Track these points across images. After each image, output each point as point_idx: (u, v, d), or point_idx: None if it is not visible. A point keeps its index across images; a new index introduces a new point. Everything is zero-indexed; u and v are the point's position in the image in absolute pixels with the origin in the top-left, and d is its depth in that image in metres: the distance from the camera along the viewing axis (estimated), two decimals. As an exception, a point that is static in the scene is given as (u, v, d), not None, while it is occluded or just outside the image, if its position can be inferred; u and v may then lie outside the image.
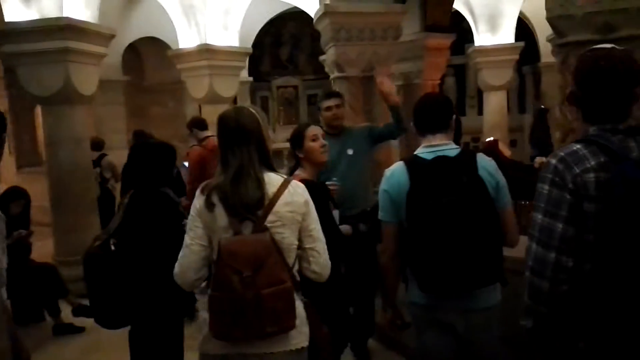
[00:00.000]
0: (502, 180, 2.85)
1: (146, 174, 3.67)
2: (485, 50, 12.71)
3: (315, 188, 2.98)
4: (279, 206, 2.46)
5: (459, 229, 2.60)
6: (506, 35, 12.64)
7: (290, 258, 2.51)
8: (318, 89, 16.81)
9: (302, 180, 2.85)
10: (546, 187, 1.97)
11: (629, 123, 1.97)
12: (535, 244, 1.98)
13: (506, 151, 8.09)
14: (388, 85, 4.64)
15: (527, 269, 2.01)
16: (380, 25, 6.26)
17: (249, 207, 2.43)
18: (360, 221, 4.47)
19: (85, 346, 5.61)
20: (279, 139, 16.42)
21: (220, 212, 2.44)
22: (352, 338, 4.83)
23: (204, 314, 2.49)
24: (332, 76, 6.49)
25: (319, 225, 2.62)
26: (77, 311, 5.81)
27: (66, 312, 5.97)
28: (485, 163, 2.83)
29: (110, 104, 11.29)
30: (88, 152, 7.52)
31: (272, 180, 2.51)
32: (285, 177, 2.60)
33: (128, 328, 3.65)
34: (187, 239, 2.50)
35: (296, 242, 2.54)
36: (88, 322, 4.81)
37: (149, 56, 13.53)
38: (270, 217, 2.45)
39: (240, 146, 2.49)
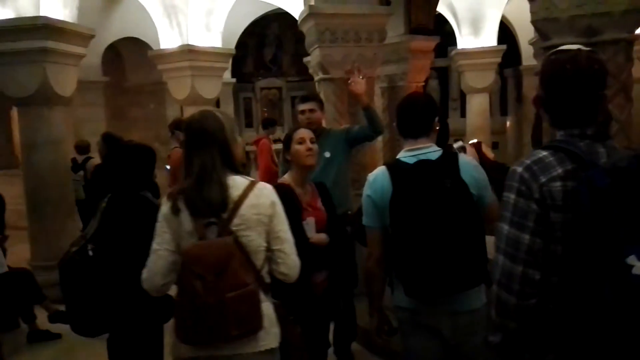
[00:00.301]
0: (484, 178, 2.86)
1: (126, 176, 3.57)
2: (468, 53, 12.84)
3: (284, 193, 2.99)
4: (244, 209, 2.49)
5: (443, 233, 2.59)
6: (488, 38, 12.78)
7: (259, 260, 2.54)
8: (302, 91, 16.72)
9: (278, 185, 3.00)
10: (512, 196, 1.92)
11: (596, 127, 1.94)
12: (502, 256, 1.93)
13: (489, 153, 8.18)
14: (359, 86, 4.65)
15: (494, 282, 1.96)
16: (365, 27, 6.18)
17: (213, 210, 2.46)
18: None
19: (62, 353, 5.48)
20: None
21: (185, 217, 2.47)
22: (335, 341, 4.81)
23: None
24: (316, 78, 6.41)
25: (287, 226, 2.63)
26: (54, 317, 5.65)
27: (42, 318, 5.81)
28: (466, 164, 2.81)
29: (90, 105, 11.16)
30: (66, 155, 7.35)
31: (237, 183, 2.52)
32: (251, 179, 2.59)
33: (106, 335, 3.55)
34: (154, 245, 2.52)
35: (264, 244, 2.55)
36: (64, 328, 4.68)
37: (130, 57, 13.39)
38: (235, 220, 2.47)
39: (204, 150, 2.51)
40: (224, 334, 2.42)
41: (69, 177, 7.29)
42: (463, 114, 14.98)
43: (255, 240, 2.51)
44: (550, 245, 1.87)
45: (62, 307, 4.49)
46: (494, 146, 13.77)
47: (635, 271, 1.60)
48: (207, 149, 2.50)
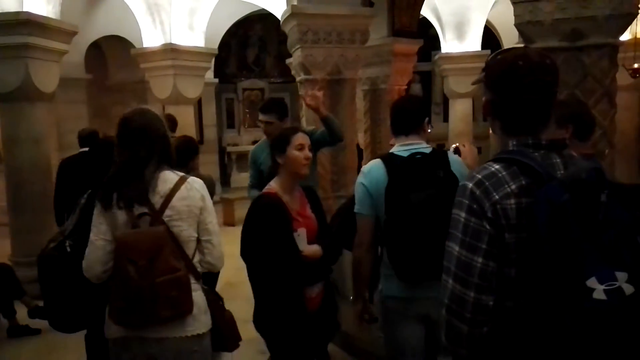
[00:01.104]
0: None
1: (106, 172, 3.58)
2: (451, 58, 12.88)
3: (273, 206, 3.12)
4: (175, 201, 2.67)
5: (437, 220, 2.68)
6: (473, 43, 12.83)
7: (190, 249, 2.74)
8: (284, 92, 16.80)
9: (265, 196, 3.16)
10: (463, 214, 1.75)
11: (551, 134, 1.81)
12: (451, 280, 1.76)
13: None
14: (315, 100, 4.61)
15: (443, 307, 1.79)
16: (347, 28, 6.23)
17: (143, 202, 2.64)
18: None
19: (41, 348, 5.46)
20: (243, 141, 16.40)
21: (118, 209, 2.64)
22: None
23: None
24: (298, 78, 6.45)
25: (215, 219, 2.86)
26: (33, 313, 5.65)
27: (22, 313, 5.79)
28: (454, 160, 3.06)
29: (72, 103, 11.11)
30: (47, 151, 7.31)
31: (168, 178, 2.71)
32: (182, 174, 2.78)
33: (84, 331, 3.56)
34: (91, 236, 2.67)
35: (195, 235, 2.76)
36: (44, 324, 4.68)
37: (113, 55, 13.34)
38: (167, 212, 2.65)
39: (143, 145, 2.68)
40: (154, 316, 2.60)
41: (50, 173, 7.26)
42: (446, 119, 15.06)
43: (186, 230, 2.70)
44: (504, 268, 1.71)
45: (41, 303, 4.51)
46: (477, 151, 13.85)
47: (596, 295, 1.49)
48: (146, 144, 2.68)
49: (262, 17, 14.48)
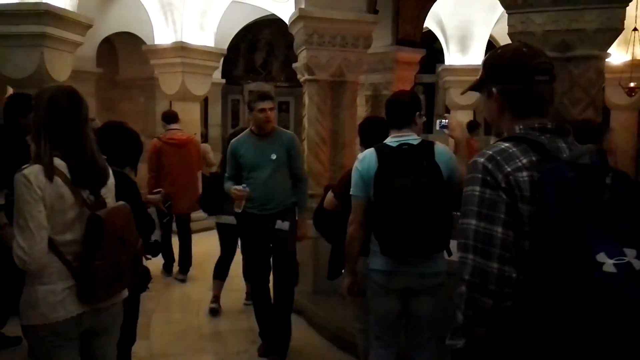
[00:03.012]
0: (454, 160, 3.40)
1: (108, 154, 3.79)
2: (454, 70, 13.03)
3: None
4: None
5: (417, 203, 3.13)
6: (476, 56, 12.93)
7: None
8: (290, 96, 17.04)
9: None
10: (477, 188, 1.77)
11: (550, 121, 1.90)
12: (471, 254, 1.74)
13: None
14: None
15: (464, 284, 1.76)
16: (351, 33, 6.45)
17: (101, 181, 2.78)
18: (278, 218, 4.97)
19: None
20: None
21: (65, 189, 2.58)
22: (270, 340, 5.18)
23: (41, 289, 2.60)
24: (302, 79, 6.66)
25: None
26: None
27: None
28: (441, 152, 3.36)
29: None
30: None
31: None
32: None
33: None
34: (31, 227, 2.48)
35: None
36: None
37: (124, 51, 13.57)
38: (103, 190, 2.79)
39: (86, 124, 2.74)
40: (122, 286, 2.86)
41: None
42: (447, 130, 15.16)
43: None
44: (519, 241, 1.73)
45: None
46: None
47: (606, 268, 1.52)
48: (87, 124, 2.75)
49: (271, 22, 14.67)
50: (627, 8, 4.00)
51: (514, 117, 1.93)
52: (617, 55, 10.57)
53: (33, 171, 2.51)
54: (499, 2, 4.23)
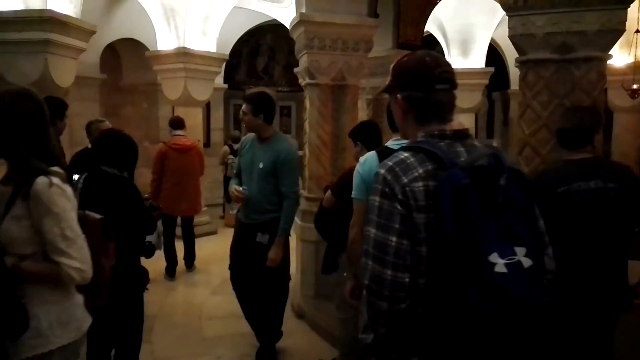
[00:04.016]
0: None
1: (108, 158, 3.93)
2: (456, 73, 12.83)
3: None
4: None
5: None
6: (477, 60, 13.02)
7: None
8: (291, 101, 17.10)
9: None
10: (377, 199, 1.91)
11: (452, 126, 2.01)
12: (370, 261, 1.88)
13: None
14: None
15: (364, 287, 1.92)
16: (352, 37, 6.48)
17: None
18: (259, 231, 4.83)
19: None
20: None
21: (72, 193, 2.51)
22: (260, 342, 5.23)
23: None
24: (303, 83, 6.69)
25: None
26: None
27: None
28: None
29: (86, 101, 11.35)
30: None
31: None
32: None
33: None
34: (78, 236, 2.43)
35: None
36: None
37: (127, 57, 13.63)
38: None
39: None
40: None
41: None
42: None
43: None
44: (415, 247, 1.84)
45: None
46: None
47: (497, 269, 1.67)
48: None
49: (273, 28, 14.72)
50: (629, 10, 3.98)
51: (417, 123, 2.04)
52: (620, 57, 10.55)
53: (58, 181, 2.39)
54: (499, 5, 4.23)
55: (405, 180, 1.85)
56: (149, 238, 4.09)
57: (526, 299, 1.70)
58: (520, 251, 1.71)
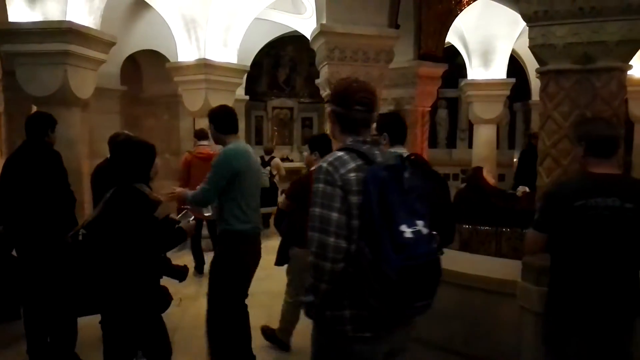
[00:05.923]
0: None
1: (124, 170, 3.74)
2: (477, 84, 12.97)
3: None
4: None
5: None
6: (498, 70, 12.93)
7: None
8: (313, 112, 17.10)
9: None
10: (321, 185, 2.50)
11: (369, 136, 2.68)
12: (317, 233, 2.47)
13: (490, 179, 8.26)
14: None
15: (312, 254, 2.49)
16: (373, 48, 6.44)
17: None
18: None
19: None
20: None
21: None
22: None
23: None
24: (324, 94, 6.65)
25: None
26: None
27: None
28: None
29: (107, 113, 11.41)
30: (79, 156, 7.52)
31: None
32: None
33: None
34: None
35: None
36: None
37: (148, 68, 13.69)
38: None
39: None
40: None
41: (81, 176, 7.45)
42: (471, 145, 15.14)
43: None
44: (350, 221, 2.45)
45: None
46: (500, 178, 13.85)
47: (406, 235, 2.33)
48: None
49: (294, 39, 14.76)
50: (651, 20, 3.91)
51: (340, 132, 2.70)
52: (641, 67, 10.38)
53: None
54: (520, 17, 4.16)
55: (343, 172, 2.48)
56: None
57: (428, 254, 2.40)
58: (420, 223, 2.40)
